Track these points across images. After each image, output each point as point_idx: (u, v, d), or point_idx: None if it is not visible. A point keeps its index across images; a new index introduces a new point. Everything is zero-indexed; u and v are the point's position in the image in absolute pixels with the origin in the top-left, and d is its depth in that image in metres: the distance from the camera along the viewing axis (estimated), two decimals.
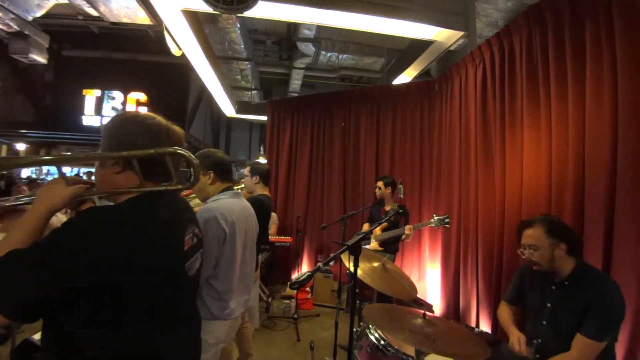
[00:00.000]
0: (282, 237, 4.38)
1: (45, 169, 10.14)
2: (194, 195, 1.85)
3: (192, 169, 0.85)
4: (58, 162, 0.84)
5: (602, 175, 1.77)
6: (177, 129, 0.92)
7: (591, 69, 1.87)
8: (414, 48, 4.69)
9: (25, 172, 10.18)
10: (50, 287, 0.67)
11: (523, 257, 1.58)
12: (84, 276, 0.69)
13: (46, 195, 0.80)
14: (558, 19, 2.10)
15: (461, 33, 3.61)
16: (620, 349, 1.61)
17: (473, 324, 2.80)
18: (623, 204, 1.67)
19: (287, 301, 3.95)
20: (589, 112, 1.86)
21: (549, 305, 1.53)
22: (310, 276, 1.00)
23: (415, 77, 5.15)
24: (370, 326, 1.64)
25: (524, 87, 2.37)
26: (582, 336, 1.37)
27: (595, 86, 1.84)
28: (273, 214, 4.35)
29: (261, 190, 2.56)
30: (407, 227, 2.86)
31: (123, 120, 0.88)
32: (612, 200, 1.73)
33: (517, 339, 1.56)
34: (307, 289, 4.09)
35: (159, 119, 0.90)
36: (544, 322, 1.54)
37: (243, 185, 2.62)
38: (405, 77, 5.20)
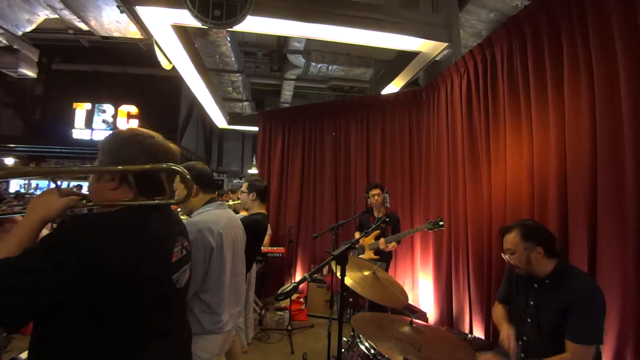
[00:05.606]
0: (275, 248, 4.36)
1: (34, 183, 10.00)
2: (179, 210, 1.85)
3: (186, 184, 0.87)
4: (53, 174, 0.85)
5: (583, 178, 1.81)
6: (174, 147, 0.95)
7: (569, 76, 1.94)
8: (401, 59, 4.79)
9: (13, 187, 10.01)
10: (31, 294, 0.67)
11: (506, 260, 1.65)
12: (62, 284, 0.69)
13: (39, 205, 0.80)
14: (536, 29, 2.18)
15: (445, 44, 3.70)
16: (608, 351, 1.63)
17: (467, 330, 2.81)
18: (604, 205, 1.71)
19: (280, 313, 3.91)
20: (568, 118, 1.92)
21: (532, 303, 1.57)
22: (295, 287, 1.00)
23: (404, 87, 5.24)
24: (361, 336, 1.64)
25: (505, 95, 2.44)
26: (573, 343, 1.38)
27: (573, 92, 1.90)
28: None
29: (257, 208, 2.45)
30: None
31: (124, 138, 0.89)
32: (593, 203, 1.77)
33: (506, 335, 1.61)
34: (301, 299, 4.06)
35: (157, 137, 0.91)
36: (529, 320, 1.57)
37: (238, 201, 2.61)
38: (394, 87, 5.29)
